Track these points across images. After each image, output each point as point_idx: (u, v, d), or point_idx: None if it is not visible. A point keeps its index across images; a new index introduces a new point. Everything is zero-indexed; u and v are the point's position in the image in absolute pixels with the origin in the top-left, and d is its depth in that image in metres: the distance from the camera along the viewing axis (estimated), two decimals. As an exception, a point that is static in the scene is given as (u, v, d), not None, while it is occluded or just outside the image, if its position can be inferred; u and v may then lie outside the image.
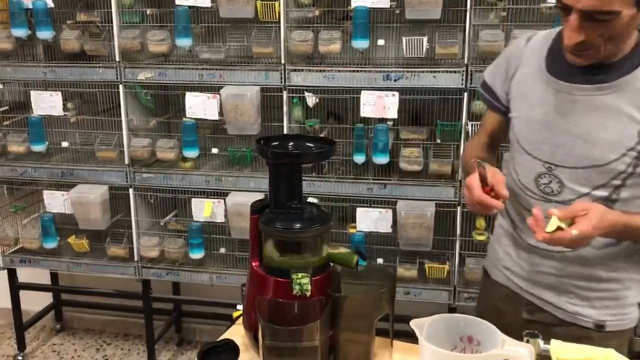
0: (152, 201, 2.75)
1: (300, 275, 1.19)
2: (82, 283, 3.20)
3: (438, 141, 2.43)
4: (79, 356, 3.15)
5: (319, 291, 1.21)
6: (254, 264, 1.30)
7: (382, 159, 2.39)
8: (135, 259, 2.78)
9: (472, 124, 2.32)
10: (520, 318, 1.46)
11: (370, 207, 2.49)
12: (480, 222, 2.47)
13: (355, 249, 1.29)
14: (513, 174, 1.41)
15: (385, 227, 2.47)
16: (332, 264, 1.29)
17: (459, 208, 2.42)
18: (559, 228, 1.18)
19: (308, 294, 1.18)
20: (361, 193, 2.47)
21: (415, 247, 2.46)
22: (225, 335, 1.43)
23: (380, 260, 2.57)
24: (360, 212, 2.47)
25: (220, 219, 2.63)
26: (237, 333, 1.43)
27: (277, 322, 1.19)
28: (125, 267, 2.81)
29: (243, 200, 2.55)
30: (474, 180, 1.26)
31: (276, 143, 1.27)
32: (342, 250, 1.28)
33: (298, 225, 1.21)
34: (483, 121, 1.56)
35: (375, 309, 1.25)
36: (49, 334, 3.37)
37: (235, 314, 1.51)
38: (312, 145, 1.26)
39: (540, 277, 1.40)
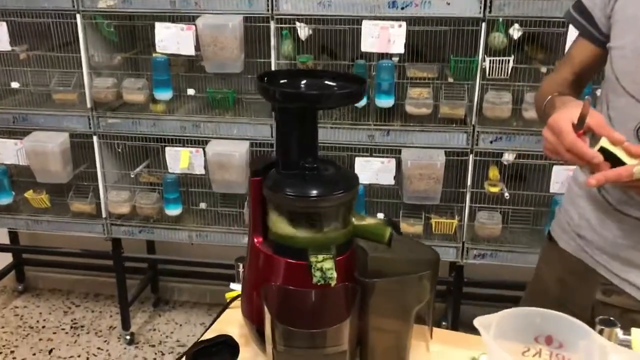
0: (119, 150, 2.41)
1: (321, 257, 0.90)
2: (46, 242, 2.89)
3: (450, 80, 2.12)
4: (44, 320, 2.87)
5: (345, 276, 0.93)
6: (255, 239, 1.00)
7: (386, 101, 2.09)
8: (104, 215, 2.46)
9: (489, 60, 2.01)
10: (592, 299, 1.19)
11: (371, 156, 2.19)
12: (494, 172, 2.20)
13: (386, 219, 1.00)
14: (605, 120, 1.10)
15: (387, 179, 2.19)
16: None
17: (471, 156, 2.14)
18: None
19: (333, 282, 0.90)
20: (361, 141, 2.17)
21: (421, 201, 2.19)
22: (218, 324, 1.15)
23: (380, 215, 2.31)
24: (359, 162, 2.18)
25: (199, 170, 2.31)
26: (232, 321, 1.15)
27: (292, 318, 0.91)
28: (93, 225, 2.50)
29: (225, 149, 2.23)
30: (562, 120, 0.96)
31: (285, 81, 0.96)
32: (370, 220, 0.99)
33: (317, 191, 0.91)
34: (569, 53, 1.23)
35: (415, 296, 0.98)
36: (10, 295, 3.06)
37: (228, 296, 1.22)
38: (333, 84, 0.95)
39: (627, 252, 1.13)
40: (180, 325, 2.84)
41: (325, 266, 0.89)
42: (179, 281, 3.01)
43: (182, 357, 1.00)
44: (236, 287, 1.24)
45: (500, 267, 2.27)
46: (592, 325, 0.90)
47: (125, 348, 2.66)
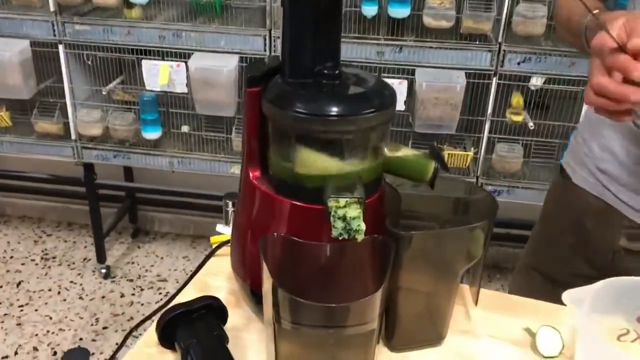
0: (89, 62, 2.10)
1: (343, 201, 0.65)
2: (12, 165, 2.60)
3: (476, -12, 1.82)
4: (12, 250, 2.63)
5: (373, 226, 0.68)
6: (251, 173, 0.74)
7: (400, 10, 1.78)
8: (73, 137, 2.18)
9: (525, -35, 1.70)
10: (614, 245, 0.99)
11: (379, 76, 1.91)
12: (518, 99, 1.94)
13: (430, 149, 0.74)
14: None
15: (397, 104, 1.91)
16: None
17: (494, 79, 1.87)
18: None
19: (360, 237, 0.65)
20: (368, 58, 1.88)
21: (434, 130, 1.93)
22: (202, 276, 0.91)
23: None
24: (366, 82, 1.89)
25: (180, 88, 2.01)
26: (219, 272, 0.90)
27: (302, 285, 0.67)
28: (61, 147, 2.21)
29: (210, 64, 1.93)
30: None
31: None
32: (407, 151, 0.73)
33: (340, 107, 0.65)
34: None
35: (465, 253, 0.73)
36: (-25, 222, 2.81)
37: (214, 241, 0.98)
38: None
39: None
40: (162, 258, 2.62)
41: (350, 214, 0.64)
42: (159, 211, 2.76)
43: (157, 315, 0.76)
44: (224, 231, 0.99)
45: (511, 205, 2.04)
46: (611, 273, 0.67)
47: (100, 282, 2.44)
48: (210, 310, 0.77)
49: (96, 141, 2.19)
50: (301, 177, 0.68)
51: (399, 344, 0.77)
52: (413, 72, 1.87)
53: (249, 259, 0.77)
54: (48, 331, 2.17)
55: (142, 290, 2.42)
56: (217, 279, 0.90)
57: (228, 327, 0.79)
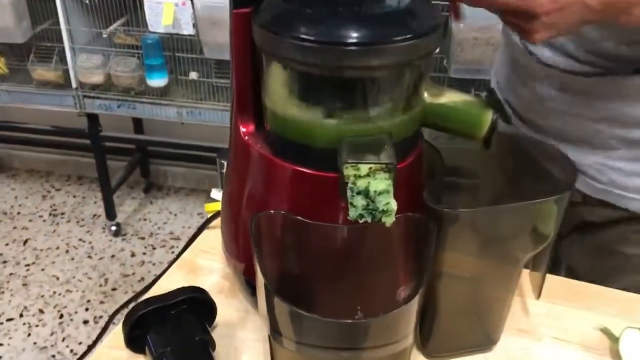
0: (87, 2, 1.90)
1: (365, 169, 0.45)
2: (14, 116, 2.45)
3: None
4: (20, 205, 2.50)
5: (407, 201, 0.49)
6: (241, 127, 0.55)
7: None
8: (73, 85, 2.00)
9: None
10: None
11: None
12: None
13: (487, 94, 0.54)
14: None
15: (429, 44, 1.69)
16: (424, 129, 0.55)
17: (542, 16, 1.62)
18: None
19: (390, 220, 0.46)
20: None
21: (472, 75, 1.70)
22: (190, 255, 0.74)
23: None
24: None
25: (186, 29, 1.81)
26: (210, 248, 0.73)
27: (306, 283, 0.49)
28: (62, 97, 2.04)
29: (219, 0, 1.72)
30: None
31: None
32: (455, 96, 0.53)
33: (362, 32, 0.45)
34: None
35: (532, 236, 0.54)
36: (-19, 176, 2.69)
37: (208, 209, 0.80)
38: None
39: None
40: (175, 214, 2.47)
41: (374, 187, 0.45)
42: (172, 165, 2.60)
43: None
44: (220, 197, 0.81)
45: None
46: None
47: (110, 240, 2.31)
48: (194, 306, 0.59)
49: (99, 90, 2.01)
50: (307, 133, 0.49)
51: (437, 349, 0.59)
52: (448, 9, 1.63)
53: (242, 240, 0.59)
54: (55, 292, 2.05)
55: (154, 249, 2.28)
56: (210, 258, 0.72)
57: (219, 322, 0.62)
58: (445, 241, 0.51)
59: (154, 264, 2.20)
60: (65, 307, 2.00)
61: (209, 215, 0.79)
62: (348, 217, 0.45)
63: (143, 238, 2.33)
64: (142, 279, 2.13)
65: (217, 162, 0.78)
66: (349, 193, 0.45)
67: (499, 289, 0.56)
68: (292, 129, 0.50)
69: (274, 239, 0.51)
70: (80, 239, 2.31)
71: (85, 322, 1.94)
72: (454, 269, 0.54)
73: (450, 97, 0.53)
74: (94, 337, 0.72)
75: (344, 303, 0.52)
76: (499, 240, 0.55)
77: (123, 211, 2.45)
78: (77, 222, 2.41)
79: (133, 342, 0.58)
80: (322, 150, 0.49)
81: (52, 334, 1.90)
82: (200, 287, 0.61)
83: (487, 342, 0.61)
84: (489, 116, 0.52)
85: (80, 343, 1.89)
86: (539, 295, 0.63)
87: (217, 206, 0.78)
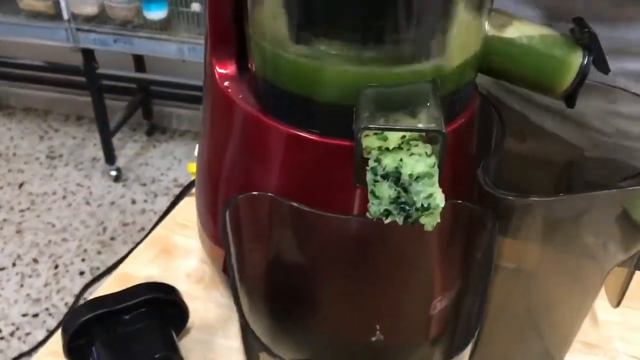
0: None
1: (395, 139, 0.29)
2: (6, 51, 2.28)
3: None
4: (15, 146, 2.37)
5: (452, 179, 0.32)
6: (218, 69, 0.39)
7: None
8: (65, 17, 1.82)
9: None
10: None
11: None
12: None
13: (574, 25, 0.36)
14: None
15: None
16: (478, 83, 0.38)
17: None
18: None
19: (431, 222, 0.29)
20: None
21: None
22: (163, 232, 0.59)
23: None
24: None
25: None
26: (192, 220, 0.58)
27: (307, 296, 0.34)
28: (53, 30, 1.87)
29: None
30: None
31: None
32: (528, 28, 0.36)
33: None
34: None
35: (622, 236, 0.38)
36: (-24, 114, 2.55)
37: (192, 170, 0.65)
38: None
39: None
40: (180, 160, 2.33)
41: (410, 168, 0.28)
42: (177, 106, 2.44)
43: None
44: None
45: None
46: None
47: (110, 186, 2.18)
48: (158, 308, 0.45)
49: (93, 23, 1.84)
50: (310, 80, 0.33)
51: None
52: None
53: (219, 221, 0.43)
54: (50, 241, 1.94)
55: (155, 196, 2.15)
56: (190, 235, 0.57)
57: (195, 323, 0.48)
58: (506, 237, 0.35)
59: (155, 213, 2.07)
60: (61, 257, 1.89)
61: (192, 178, 0.63)
62: (368, 214, 0.30)
63: (145, 184, 2.20)
64: (143, 228, 2.01)
65: (201, 109, 0.62)
66: (369, 176, 0.29)
67: (572, 307, 0.41)
68: (289, 73, 0.34)
69: (258, 233, 0.36)
70: (78, 184, 2.19)
71: (82, 273, 1.84)
72: (510, 270, 0.39)
73: (522, 30, 0.36)
74: (91, 291, 0.59)
75: (358, 320, 0.37)
76: (581, 241, 0.39)
77: (124, 155, 2.32)
78: (76, 165, 2.27)
79: (74, 352, 0.44)
80: (331, 106, 0.33)
81: (46, 285, 1.79)
82: (168, 284, 0.46)
83: (546, 362, 0.46)
84: (577, 59, 0.35)
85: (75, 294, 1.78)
86: (618, 303, 0.47)
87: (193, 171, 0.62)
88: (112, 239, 1.96)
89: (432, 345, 0.39)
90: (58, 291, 1.77)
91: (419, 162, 0.29)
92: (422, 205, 0.28)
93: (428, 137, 0.30)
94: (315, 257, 0.36)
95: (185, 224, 0.59)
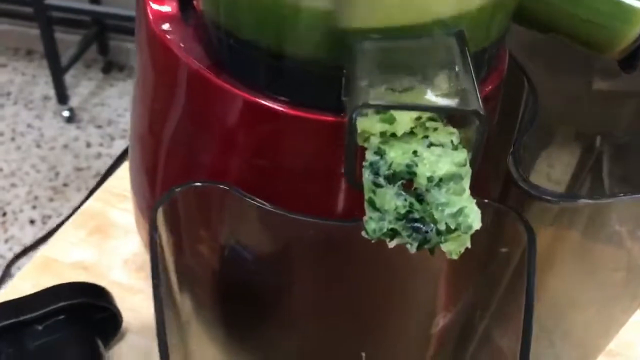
0: None
1: (405, 120, 0.19)
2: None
3: None
4: (-41, 82, 2.19)
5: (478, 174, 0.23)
6: (152, 3, 0.28)
7: None
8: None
9: None
10: None
11: None
12: None
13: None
14: None
15: None
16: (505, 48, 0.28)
17: None
18: None
19: (458, 250, 0.20)
20: None
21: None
22: (95, 203, 0.48)
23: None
24: None
25: None
26: (127, 191, 0.48)
27: (276, 318, 0.24)
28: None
29: None
30: None
31: None
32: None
33: None
34: None
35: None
36: None
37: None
38: None
39: None
40: (138, 100, 2.18)
41: (427, 168, 0.19)
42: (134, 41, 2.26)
43: None
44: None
45: None
46: None
47: (62, 127, 2.03)
48: (81, 314, 0.35)
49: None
50: (279, 25, 0.22)
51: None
52: None
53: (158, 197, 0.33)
54: (-3, 186, 1.81)
55: (112, 139, 2.02)
56: (131, 209, 0.47)
57: (132, 324, 0.39)
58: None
59: (111, 157, 1.94)
60: (9, 203, 1.76)
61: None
62: (364, 233, 0.20)
63: (100, 126, 2.05)
64: (98, 174, 1.88)
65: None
66: (366, 177, 0.19)
67: (603, 328, 0.32)
68: (251, 15, 0.23)
69: (204, 236, 0.26)
70: (28, 125, 2.03)
71: (32, 221, 1.72)
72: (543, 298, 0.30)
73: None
74: (18, 265, 0.50)
75: (340, 345, 0.28)
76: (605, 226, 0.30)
77: (78, 94, 2.15)
78: (25, 104, 2.11)
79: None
80: (308, 63, 0.23)
81: (-8, 234, 1.67)
82: (96, 284, 0.36)
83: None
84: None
85: (25, 245, 1.67)
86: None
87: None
88: (65, 185, 1.84)
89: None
90: (6, 240, 1.66)
91: (443, 157, 0.19)
92: (446, 225, 0.19)
93: (455, 118, 0.20)
94: (283, 270, 0.27)
95: (125, 195, 0.48)
